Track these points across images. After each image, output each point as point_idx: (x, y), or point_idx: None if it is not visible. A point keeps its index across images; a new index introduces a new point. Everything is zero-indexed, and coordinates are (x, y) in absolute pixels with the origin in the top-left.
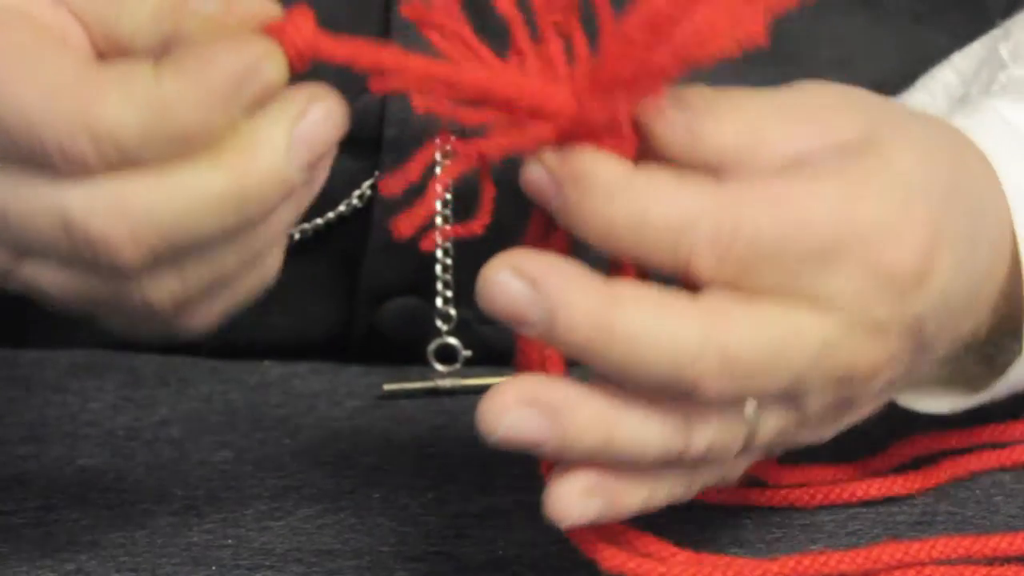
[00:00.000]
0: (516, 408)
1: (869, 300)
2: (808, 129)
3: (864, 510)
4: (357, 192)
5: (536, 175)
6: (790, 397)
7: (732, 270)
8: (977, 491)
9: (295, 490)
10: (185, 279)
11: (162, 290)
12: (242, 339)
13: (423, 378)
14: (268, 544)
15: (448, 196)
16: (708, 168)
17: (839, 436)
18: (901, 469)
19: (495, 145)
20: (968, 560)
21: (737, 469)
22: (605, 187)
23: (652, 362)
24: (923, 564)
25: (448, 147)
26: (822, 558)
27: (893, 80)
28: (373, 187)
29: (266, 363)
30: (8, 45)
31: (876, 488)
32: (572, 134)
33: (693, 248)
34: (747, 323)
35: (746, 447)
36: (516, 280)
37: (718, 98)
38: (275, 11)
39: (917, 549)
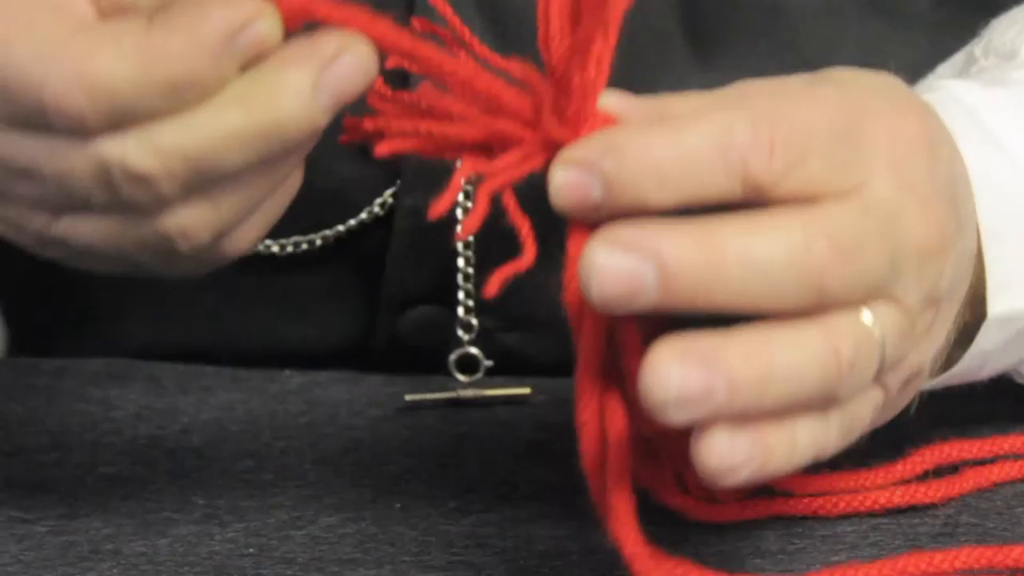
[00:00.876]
0: (676, 366)
1: (903, 166)
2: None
3: (886, 521)
4: (378, 200)
5: (565, 176)
6: (891, 289)
7: (784, 163)
8: (999, 502)
9: (316, 499)
10: (219, 208)
11: (199, 220)
12: (263, 348)
13: (444, 388)
14: (290, 553)
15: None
16: None
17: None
18: (924, 477)
19: (504, 168)
20: (991, 571)
21: (865, 414)
22: (636, 140)
23: (773, 267)
24: (946, 575)
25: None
26: (849, 571)
27: (912, 86)
28: (394, 195)
29: (287, 372)
30: (6, 7)
31: (899, 496)
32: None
33: (742, 153)
34: (832, 208)
35: (880, 366)
36: (614, 253)
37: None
38: None
39: (940, 560)
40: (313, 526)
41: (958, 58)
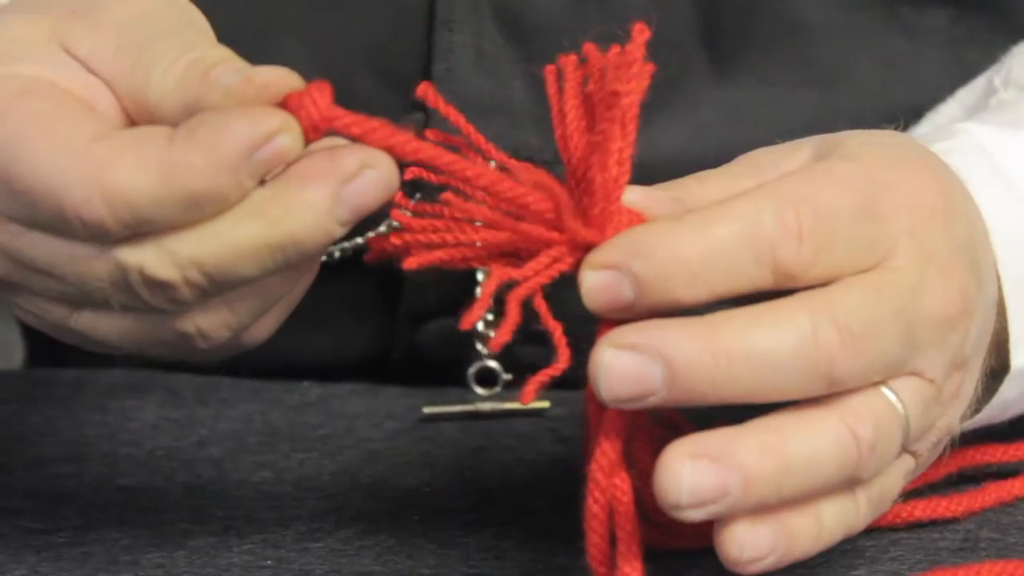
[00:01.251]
0: (688, 466)
1: (923, 236)
2: (767, 174)
3: (906, 535)
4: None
5: (595, 280)
6: (912, 363)
7: (813, 247)
8: (1020, 517)
9: (335, 511)
10: (236, 310)
11: (217, 321)
12: (282, 360)
13: (463, 401)
14: (308, 565)
15: None
16: None
17: None
18: (946, 483)
19: (534, 273)
20: None
21: (896, 483)
22: (663, 237)
23: (779, 360)
24: None
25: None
26: None
27: (932, 103)
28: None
29: (306, 384)
30: (32, 114)
31: (920, 510)
32: (580, 235)
33: (771, 242)
34: (843, 292)
35: (904, 441)
36: (622, 354)
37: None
38: (296, 82)
39: (963, 575)
40: (331, 538)
41: (979, 83)
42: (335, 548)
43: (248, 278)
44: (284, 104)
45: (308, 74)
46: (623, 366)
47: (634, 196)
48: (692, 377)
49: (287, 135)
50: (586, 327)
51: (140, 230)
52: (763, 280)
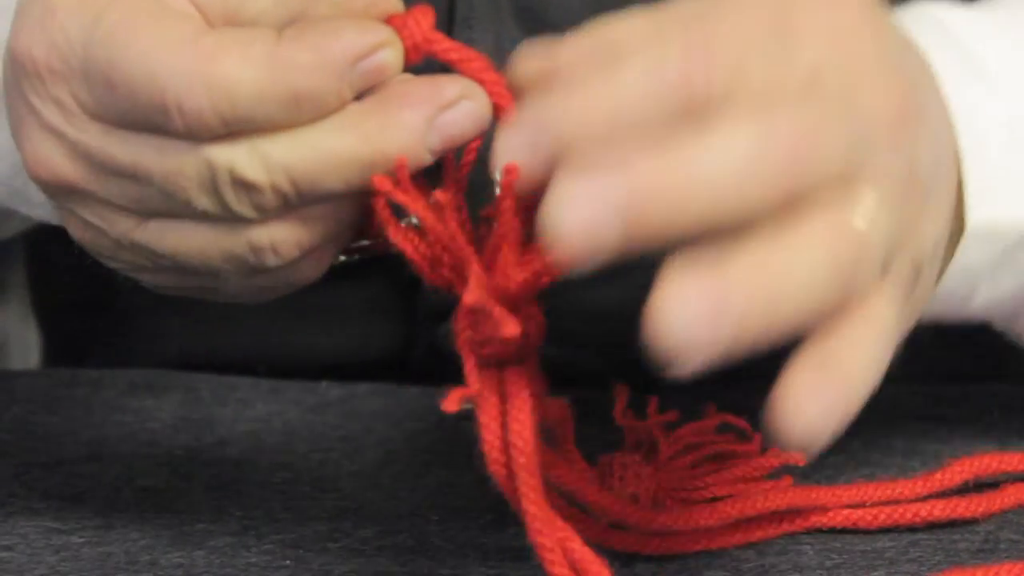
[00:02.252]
0: (681, 302)
1: (844, 45)
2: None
3: (925, 536)
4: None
5: (514, 141)
6: (867, 163)
7: (723, 74)
8: None
9: (354, 511)
10: (310, 227)
11: (290, 236)
12: (301, 359)
13: None
14: (327, 566)
15: None
16: None
17: (899, 454)
18: (963, 489)
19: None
20: None
21: (927, 281)
22: (561, 99)
23: (733, 174)
24: None
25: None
26: None
27: None
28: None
29: (325, 384)
30: (136, 7)
31: (939, 510)
32: None
33: (680, 77)
34: (780, 104)
35: (887, 252)
36: (576, 182)
37: None
38: (398, 5)
39: (982, 575)
40: (350, 538)
41: None
42: (354, 548)
43: (332, 192)
44: (388, 23)
45: None
46: (579, 206)
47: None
48: (653, 211)
49: (391, 50)
50: (600, 325)
51: (237, 127)
52: (677, 120)
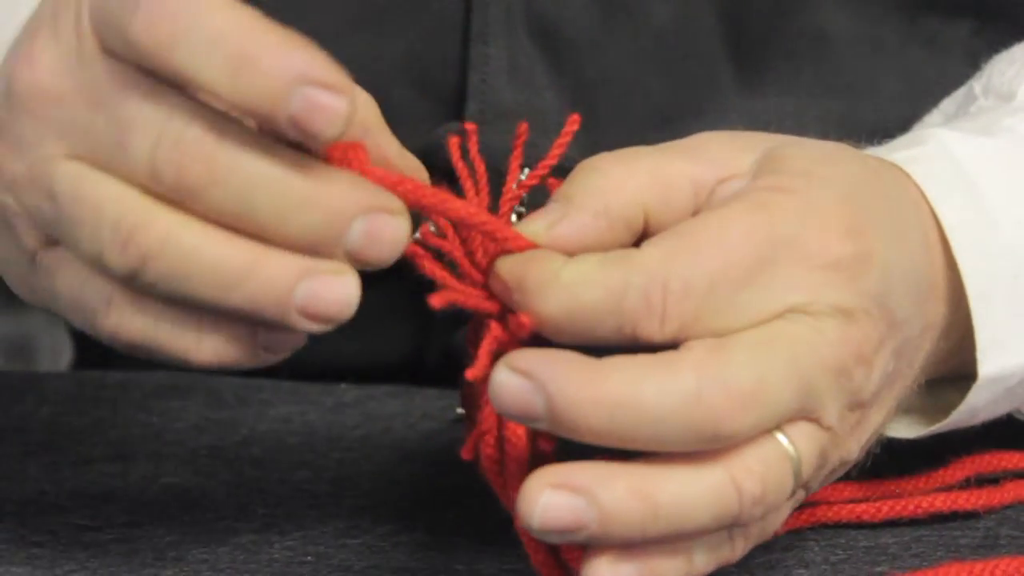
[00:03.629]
0: (547, 493)
1: (821, 291)
2: (704, 167)
3: (927, 532)
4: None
5: (496, 283)
6: (807, 411)
7: (676, 324)
8: None
9: (372, 509)
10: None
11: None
12: (320, 362)
13: None
14: (346, 561)
15: None
16: (627, 226)
17: (902, 452)
18: (964, 485)
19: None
20: None
21: (781, 518)
22: (537, 286)
23: (661, 416)
24: None
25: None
26: None
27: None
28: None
29: (343, 386)
30: None
31: (941, 501)
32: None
33: (632, 320)
34: (732, 352)
35: (795, 486)
36: (513, 376)
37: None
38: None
39: (980, 569)
40: (369, 535)
41: (960, 92)
42: (373, 544)
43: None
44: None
45: None
46: (512, 388)
47: (537, 226)
48: (572, 417)
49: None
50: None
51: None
52: (627, 342)
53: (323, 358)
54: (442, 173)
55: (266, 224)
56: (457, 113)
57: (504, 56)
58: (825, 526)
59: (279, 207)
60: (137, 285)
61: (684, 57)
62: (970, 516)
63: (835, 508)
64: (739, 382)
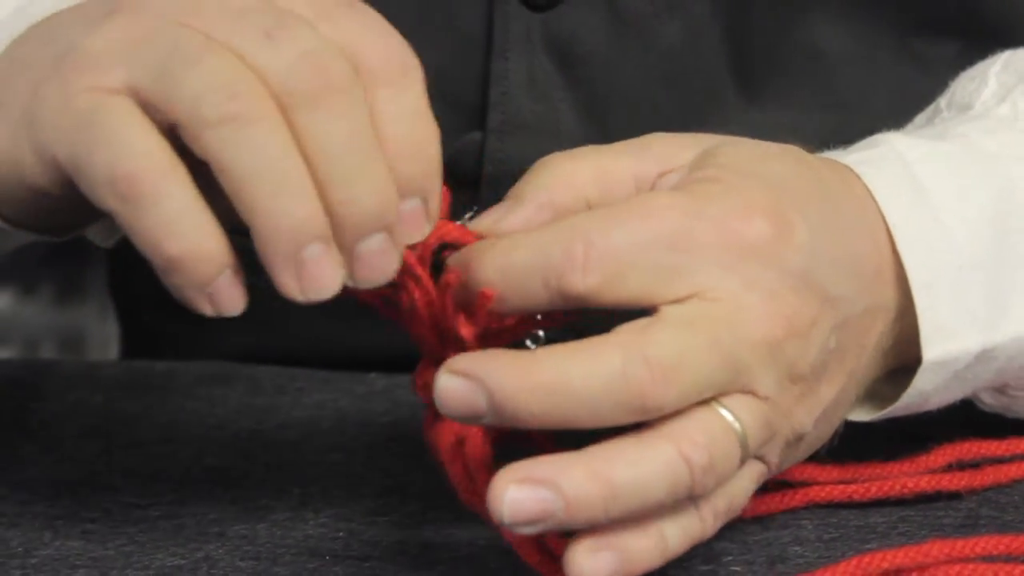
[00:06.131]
0: (513, 488)
1: (740, 269)
2: (646, 163)
3: (913, 513)
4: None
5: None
6: (740, 383)
7: (598, 276)
8: (1017, 497)
9: (400, 489)
10: None
11: None
12: (351, 353)
13: None
14: (376, 537)
15: None
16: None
17: (887, 439)
18: (947, 469)
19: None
20: (1009, 557)
21: (744, 490)
22: (477, 256)
23: (590, 395)
24: (969, 560)
25: None
26: (878, 557)
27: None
28: (471, 219)
29: (373, 375)
30: None
31: (926, 482)
32: None
33: (557, 273)
34: (654, 331)
35: (744, 455)
36: (454, 379)
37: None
38: None
39: (962, 546)
40: (397, 513)
41: (930, 108)
42: (401, 522)
43: None
44: None
45: None
46: (455, 390)
47: (487, 220)
48: (512, 407)
49: None
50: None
51: None
52: (554, 303)
53: (354, 349)
54: (465, 179)
55: (342, 171)
56: (480, 124)
57: (523, 71)
58: (818, 506)
59: (361, 167)
60: (200, 142)
61: (690, 73)
62: (953, 497)
63: (827, 489)
64: (660, 358)
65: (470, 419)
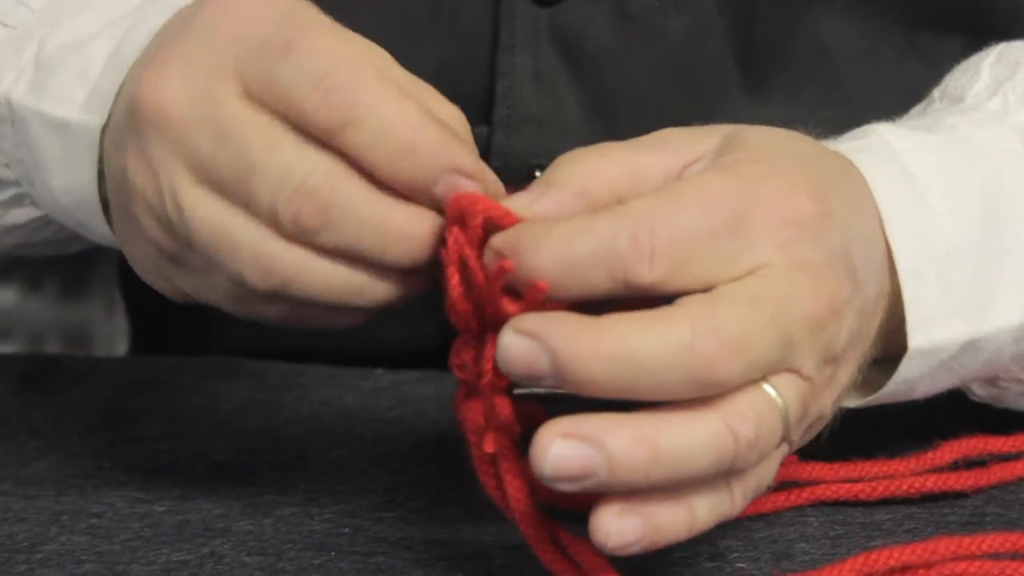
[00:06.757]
0: (558, 442)
1: (793, 247)
2: (670, 156)
3: (919, 510)
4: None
5: (488, 255)
6: (788, 362)
7: (665, 266)
8: (1022, 494)
9: (406, 485)
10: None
11: None
12: (357, 349)
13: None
14: (381, 533)
15: None
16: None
17: (893, 436)
18: (953, 467)
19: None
20: (1015, 555)
21: (772, 470)
22: (531, 243)
23: (658, 366)
24: (975, 557)
25: None
26: (884, 554)
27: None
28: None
29: (379, 371)
30: None
31: (932, 482)
32: None
33: (623, 264)
34: (720, 305)
35: (784, 433)
36: (518, 338)
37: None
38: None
39: (968, 543)
40: (402, 509)
41: (925, 100)
42: (406, 517)
43: None
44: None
45: None
46: (518, 349)
47: (521, 201)
48: (575, 371)
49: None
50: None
51: None
52: (620, 292)
53: (360, 346)
54: None
55: (372, 257)
56: (486, 118)
57: (529, 66)
58: (824, 504)
59: (383, 244)
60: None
61: (696, 67)
62: (959, 495)
63: (833, 487)
64: (728, 333)
65: (531, 380)
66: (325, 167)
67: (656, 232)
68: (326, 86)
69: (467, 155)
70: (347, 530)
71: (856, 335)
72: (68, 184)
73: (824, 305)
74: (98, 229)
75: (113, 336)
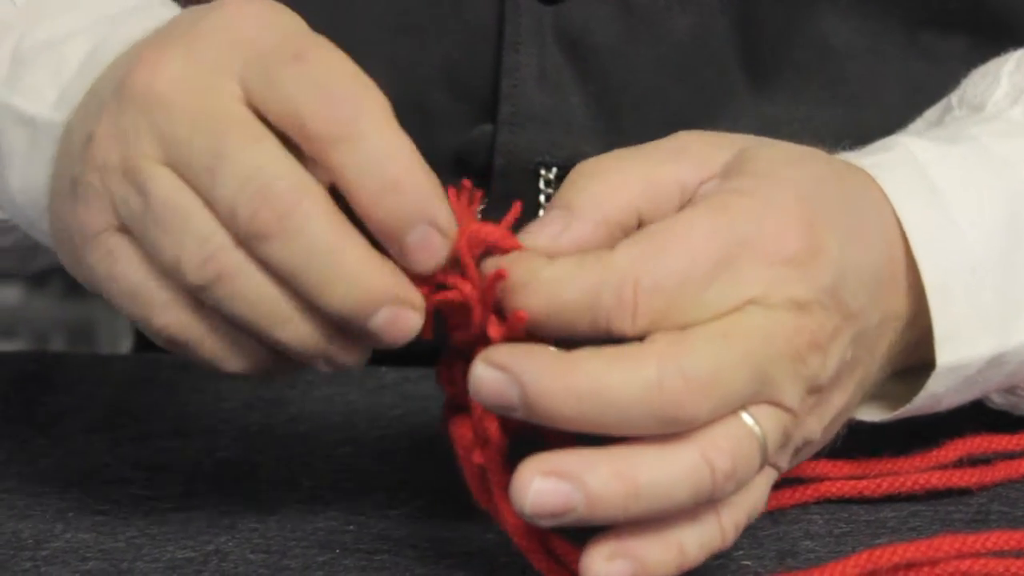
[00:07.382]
0: (538, 480)
1: (777, 285)
2: (688, 169)
3: (923, 508)
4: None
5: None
6: (766, 395)
7: (647, 320)
8: None
9: (410, 483)
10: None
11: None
12: None
13: None
14: (386, 531)
15: None
16: (623, 231)
17: (898, 434)
18: (958, 464)
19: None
20: (1021, 553)
21: (761, 499)
22: (521, 284)
23: (626, 404)
24: (979, 555)
25: None
26: (888, 551)
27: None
28: (483, 212)
29: (383, 369)
30: None
31: (936, 479)
32: None
33: (606, 316)
34: (691, 343)
35: (763, 461)
36: (490, 370)
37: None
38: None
39: (972, 541)
40: (407, 507)
41: (942, 103)
42: (410, 515)
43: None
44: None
45: (388, 88)
46: (489, 381)
47: (543, 239)
48: (545, 406)
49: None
50: None
51: None
52: (602, 336)
53: None
54: (476, 171)
55: (310, 286)
56: (491, 116)
57: (534, 63)
58: (829, 501)
59: (327, 277)
60: (198, 295)
61: (701, 65)
62: (963, 493)
63: (838, 484)
64: (697, 371)
65: (502, 411)
66: (296, 177)
67: (640, 286)
68: (332, 96)
69: (447, 215)
70: (351, 528)
71: (851, 362)
72: (26, 182)
73: (805, 341)
74: (46, 228)
75: (117, 333)
